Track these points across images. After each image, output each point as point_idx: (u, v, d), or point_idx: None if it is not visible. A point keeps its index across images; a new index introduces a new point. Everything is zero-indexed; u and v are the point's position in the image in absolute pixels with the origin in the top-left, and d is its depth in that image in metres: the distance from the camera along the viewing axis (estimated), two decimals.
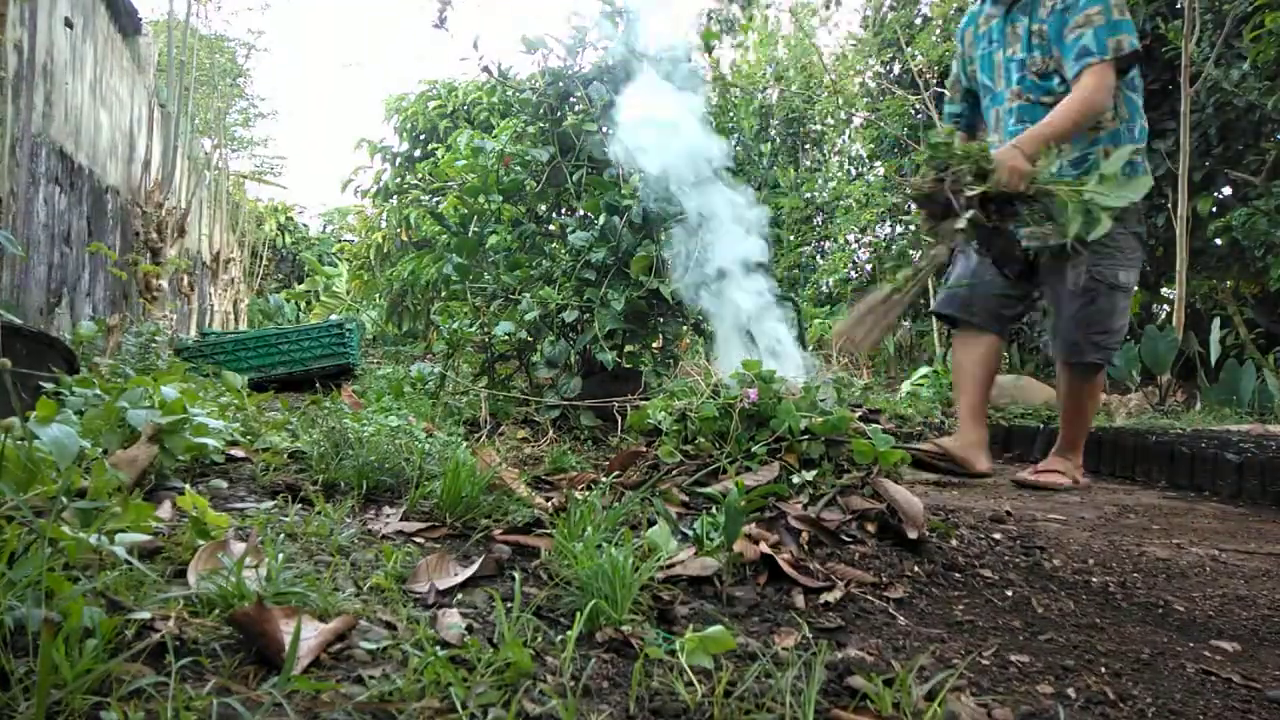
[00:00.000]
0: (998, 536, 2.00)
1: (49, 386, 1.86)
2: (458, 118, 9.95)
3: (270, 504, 1.50)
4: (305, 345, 4.60)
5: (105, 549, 0.97)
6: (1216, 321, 6.55)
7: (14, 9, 3.96)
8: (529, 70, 4.36)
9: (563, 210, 3.89)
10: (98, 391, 1.85)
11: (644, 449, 2.16)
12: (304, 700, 0.79)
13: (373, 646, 0.92)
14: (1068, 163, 2.88)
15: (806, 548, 1.58)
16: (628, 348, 3.56)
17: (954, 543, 1.83)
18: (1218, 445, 3.40)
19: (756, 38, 11.17)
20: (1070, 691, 1.10)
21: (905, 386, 6.31)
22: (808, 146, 11.57)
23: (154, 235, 6.30)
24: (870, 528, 1.71)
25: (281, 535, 1.28)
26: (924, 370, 6.68)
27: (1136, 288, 3.61)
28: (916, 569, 1.61)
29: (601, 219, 3.37)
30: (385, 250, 10.48)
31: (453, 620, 1.03)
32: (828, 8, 9.70)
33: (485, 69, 3.71)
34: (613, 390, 3.33)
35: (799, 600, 1.35)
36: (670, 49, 3.47)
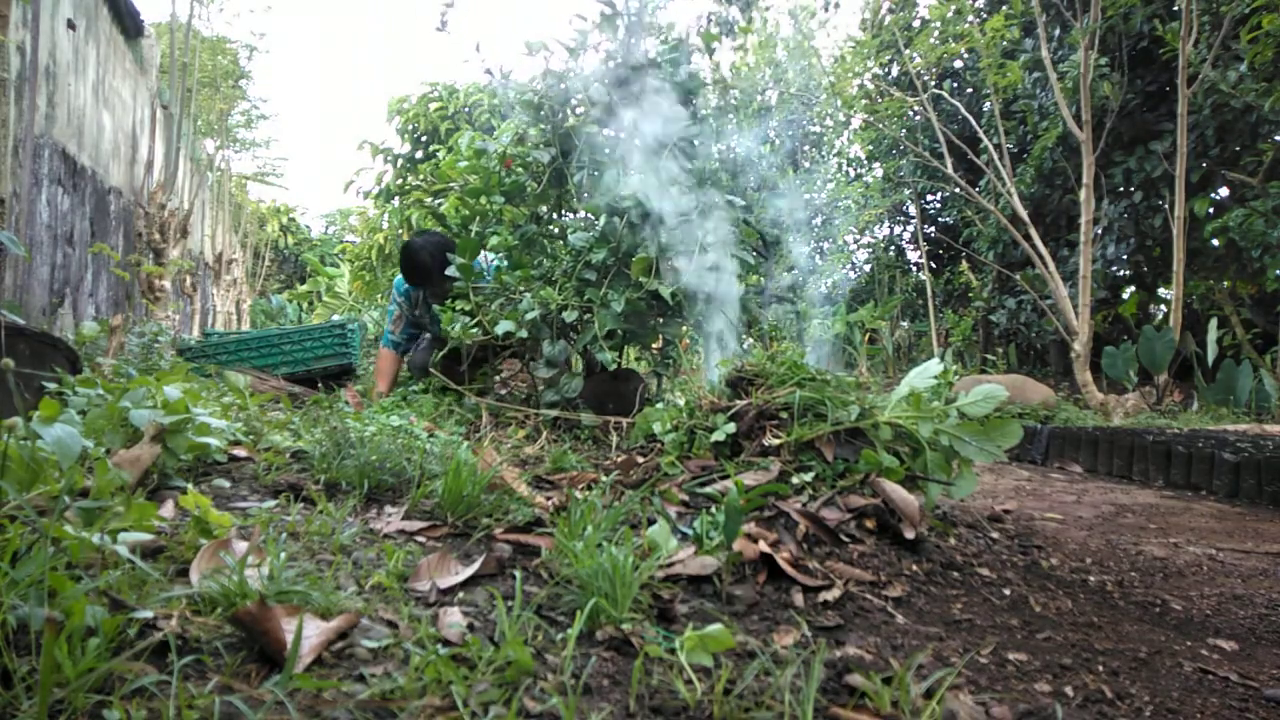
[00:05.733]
0: (995, 535, 2.00)
1: (52, 386, 1.86)
2: (459, 119, 9.95)
3: (272, 503, 1.51)
4: (307, 345, 4.60)
5: (108, 548, 0.98)
6: (1213, 322, 6.56)
7: (17, 10, 3.97)
8: (531, 72, 4.38)
9: (564, 211, 3.90)
10: (100, 391, 1.85)
11: (642, 459, 2.16)
12: (306, 698, 0.79)
13: (374, 645, 0.92)
14: None
15: (805, 547, 1.58)
16: (627, 348, 3.56)
17: (952, 542, 1.84)
18: (1215, 445, 3.40)
19: (756, 40, 11.18)
20: (1068, 690, 1.11)
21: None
22: (806, 148, 11.60)
23: (156, 236, 6.32)
24: (869, 524, 1.71)
25: (284, 534, 1.29)
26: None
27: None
28: (915, 568, 1.61)
29: (602, 220, 3.38)
30: (387, 251, 10.49)
31: (454, 619, 1.03)
32: (826, 10, 9.72)
33: (487, 71, 3.72)
34: (613, 390, 3.33)
35: (798, 599, 1.35)
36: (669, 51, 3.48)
